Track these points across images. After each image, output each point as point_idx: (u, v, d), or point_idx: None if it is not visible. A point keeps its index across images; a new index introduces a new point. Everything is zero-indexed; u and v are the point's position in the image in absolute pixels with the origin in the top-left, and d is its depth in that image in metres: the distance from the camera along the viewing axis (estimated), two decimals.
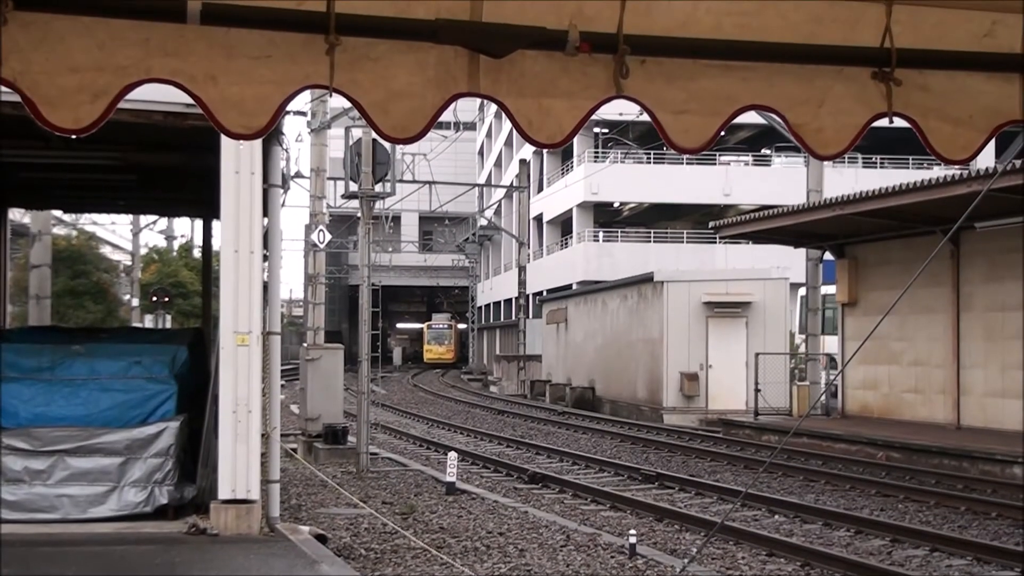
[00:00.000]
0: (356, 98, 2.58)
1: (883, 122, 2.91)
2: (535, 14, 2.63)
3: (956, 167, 21.02)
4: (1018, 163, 18.60)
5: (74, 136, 2.41)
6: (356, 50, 2.55)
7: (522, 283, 60.03)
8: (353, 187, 25.79)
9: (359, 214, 25.82)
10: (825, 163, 31.60)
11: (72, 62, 2.39)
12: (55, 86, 2.36)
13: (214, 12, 2.41)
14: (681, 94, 2.77)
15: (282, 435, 16.17)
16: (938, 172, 24.83)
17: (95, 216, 48.64)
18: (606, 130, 57.54)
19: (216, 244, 17.76)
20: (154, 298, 49.81)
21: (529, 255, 64.13)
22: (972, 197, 17.14)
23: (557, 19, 2.63)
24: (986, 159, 38.89)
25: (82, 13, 2.37)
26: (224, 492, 12.52)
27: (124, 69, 2.42)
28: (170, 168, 16.39)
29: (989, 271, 24.58)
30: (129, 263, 56.11)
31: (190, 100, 2.49)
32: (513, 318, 64.36)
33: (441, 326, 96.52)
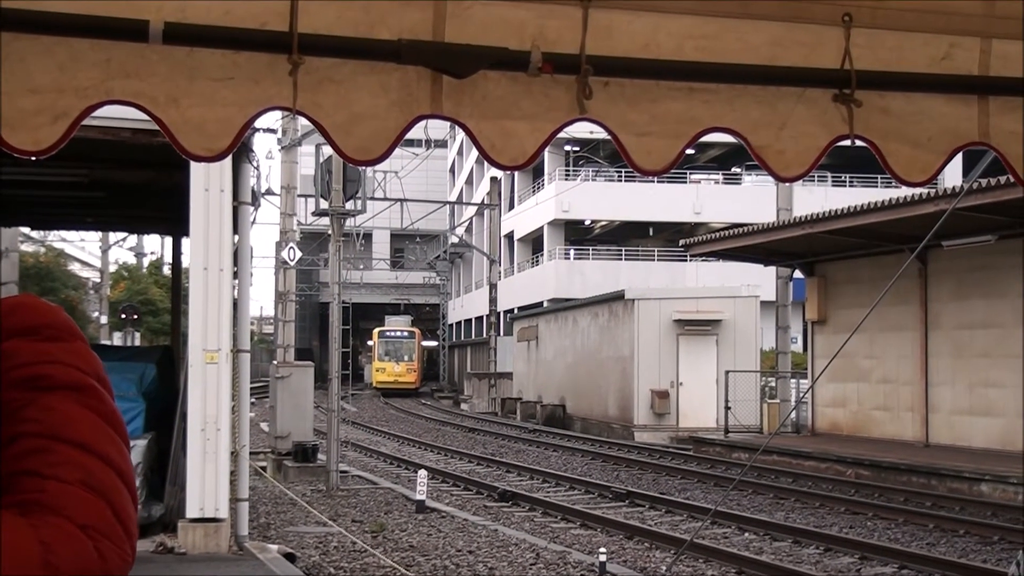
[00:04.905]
0: (319, 120, 2.59)
1: (846, 143, 2.95)
2: (498, 35, 2.64)
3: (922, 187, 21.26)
4: (983, 182, 18.76)
5: (34, 158, 2.40)
6: (319, 72, 2.56)
7: (493, 301, 60.03)
8: (324, 204, 25.77)
9: (330, 231, 25.78)
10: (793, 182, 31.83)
11: (32, 83, 2.38)
12: (15, 108, 2.36)
13: (177, 31, 2.41)
14: (644, 116, 2.79)
15: (251, 453, 16.11)
16: (906, 191, 25.01)
17: (64, 233, 48.35)
18: (577, 148, 57.72)
19: (186, 261, 17.70)
20: (123, 315, 49.53)
21: (500, 273, 64.18)
22: (939, 216, 17.30)
23: (519, 40, 2.64)
24: (953, 178, 39.20)
25: (43, 32, 2.37)
26: (192, 510, 12.46)
27: (85, 90, 2.42)
28: (139, 185, 16.32)
29: (956, 289, 24.76)
30: (98, 280, 55.80)
31: None
32: (484, 336, 64.25)
33: (398, 334, 73.25)
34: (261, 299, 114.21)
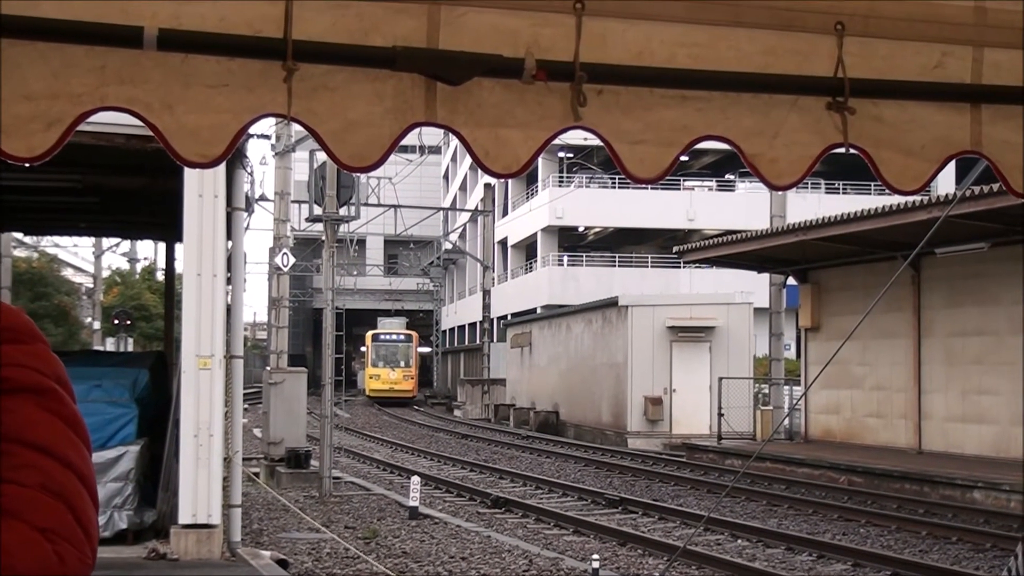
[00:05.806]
0: (313, 127, 2.58)
1: (839, 150, 2.95)
2: (491, 42, 2.64)
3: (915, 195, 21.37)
4: (976, 190, 18.80)
5: (28, 164, 2.40)
6: (314, 79, 2.56)
7: (487, 307, 60.02)
8: (317, 210, 25.81)
9: (323, 237, 25.78)
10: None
11: (26, 90, 2.38)
12: (9, 114, 2.36)
13: (171, 38, 2.41)
14: (637, 124, 2.79)
15: (244, 459, 16.09)
16: (899, 198, 25.05)
17: (57, 238, 48.30)
18: (571, 155, 57.74)
19: (179, 267, 17.68)
20: (116, 321, 49.46)
21: (494, 279, 64.17)
22: (932, 223, 17.33)
23: (513, 48, 2.65)
24: (946, 186, 39.28)
25: (37, 38, 2.37)
26: (185, 517, 12.44)
27: (79, 97, 2.42)
28: (132, 190, 16.32)
29: (949, 296, 24.81)
30: (91, 286, 55.71)
31: None
32: (477, 342, 64.17)
33: (394, 337, 68.65)
34: (254, 305, 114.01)
